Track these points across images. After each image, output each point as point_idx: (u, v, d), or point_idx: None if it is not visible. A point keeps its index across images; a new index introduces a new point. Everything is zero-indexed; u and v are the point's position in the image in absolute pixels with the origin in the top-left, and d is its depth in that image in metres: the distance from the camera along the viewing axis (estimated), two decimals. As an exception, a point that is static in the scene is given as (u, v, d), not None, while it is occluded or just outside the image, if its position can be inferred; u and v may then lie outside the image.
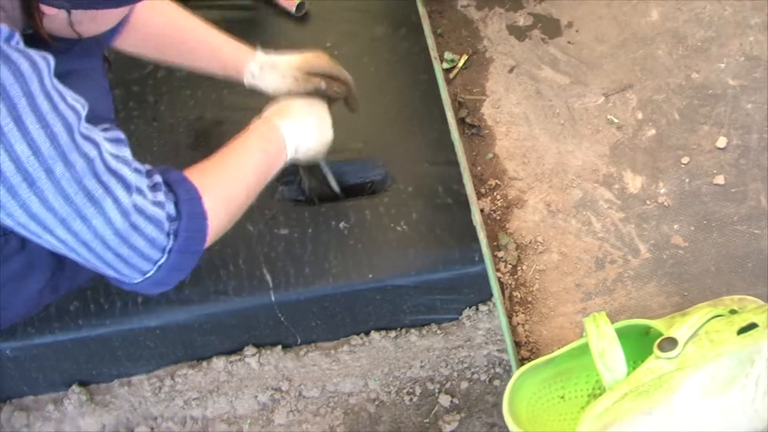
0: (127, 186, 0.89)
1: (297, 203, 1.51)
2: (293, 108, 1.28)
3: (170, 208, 0.97)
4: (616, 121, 1.37)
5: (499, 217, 1.30)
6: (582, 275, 1.22)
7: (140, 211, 0.91)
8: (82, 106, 0.87)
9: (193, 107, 1.64)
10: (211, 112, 1.64)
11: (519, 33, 1.53)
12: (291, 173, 1.51)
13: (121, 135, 0.94)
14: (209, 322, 1.45)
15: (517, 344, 1.18)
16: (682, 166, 1.30)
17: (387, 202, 1.49)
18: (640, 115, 1.37)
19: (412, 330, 1.53)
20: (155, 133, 1.63)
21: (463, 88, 1.47)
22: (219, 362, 1.52)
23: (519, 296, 1.22)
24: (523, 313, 1.21)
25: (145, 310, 1.42)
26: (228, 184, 1.10)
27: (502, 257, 1.25)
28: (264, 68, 1.35)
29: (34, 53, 0.82)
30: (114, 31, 1.23)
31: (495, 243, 1.27)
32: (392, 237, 1.45)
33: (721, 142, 1.31)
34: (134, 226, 0.90)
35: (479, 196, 1.32)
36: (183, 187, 1.01)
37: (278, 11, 1.82)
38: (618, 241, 1.25)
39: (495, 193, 1.32)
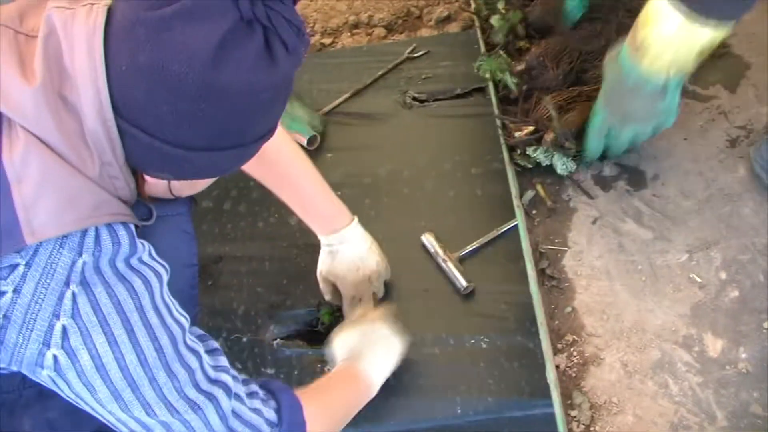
0: (228, 392, 0.96)
1: (286, 339, 1.49)
2: (373, 349, 1.29)
3: (270, 414, 1.02)
4: (698, 280, 1.37)
5: (574, 375, 1.30)
6: (657, 440, 1.21)
7: (238, 416, 0.97)
8: (185, 319, 0.95)
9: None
10: (213, 248, 1.64)
11: (604, 183, 1.56)
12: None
13: (215, 344, 1.02)
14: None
15: None
16: (764, 331, 1.29)
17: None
18: (723, 275, 1.37)
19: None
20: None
21: (545, 238, 1.49)
22: None
23: (591, 458, 1.22)
24: (595, 475, 1.20)
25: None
26: (328, 414, 1.15)
27: (575, 416, 1.25)
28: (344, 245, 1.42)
29: (148, 269, 0.91)
30: None
31: (569, 401, 1.27)
32: None
33: (807, 307, 1.29)
34: (232, 431, 0.96)
35: (555, 351, 1.33)
36: (286, 395, 1.06)
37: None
38: (695, 406, 1.23)
39: (572, 349, 1.33)
